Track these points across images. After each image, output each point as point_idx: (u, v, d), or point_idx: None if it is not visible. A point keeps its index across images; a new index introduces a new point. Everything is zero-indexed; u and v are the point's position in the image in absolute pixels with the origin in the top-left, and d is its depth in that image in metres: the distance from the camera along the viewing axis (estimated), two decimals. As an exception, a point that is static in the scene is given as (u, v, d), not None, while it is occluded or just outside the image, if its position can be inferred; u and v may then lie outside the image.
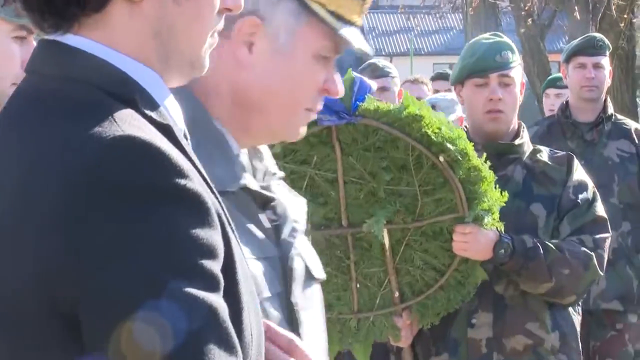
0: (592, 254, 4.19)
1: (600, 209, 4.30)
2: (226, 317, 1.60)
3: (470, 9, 17.10)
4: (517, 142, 4.34)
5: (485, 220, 3.96)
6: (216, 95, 2.24)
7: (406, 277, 4.07)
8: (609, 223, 4.31)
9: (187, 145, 1.73)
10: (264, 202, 2.27)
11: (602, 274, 4.27)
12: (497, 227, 4.04)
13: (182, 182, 1.60)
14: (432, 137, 3.78)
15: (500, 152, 4.29)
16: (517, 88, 4.35)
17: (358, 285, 4.08)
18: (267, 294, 2.21)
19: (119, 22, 1.72)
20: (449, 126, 3.83)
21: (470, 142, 3.94)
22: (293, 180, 3.65)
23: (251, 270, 2.04)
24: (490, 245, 4.06)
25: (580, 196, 4.28)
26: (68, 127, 1.63)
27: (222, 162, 2.20)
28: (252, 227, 2.21)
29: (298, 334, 2.22)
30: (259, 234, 2.22)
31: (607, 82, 6.68)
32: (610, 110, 6.64)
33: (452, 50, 27.28)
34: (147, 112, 1.69)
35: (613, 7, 16.11)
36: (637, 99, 23.23)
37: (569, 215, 4.25)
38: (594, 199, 4.30)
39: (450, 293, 4.08)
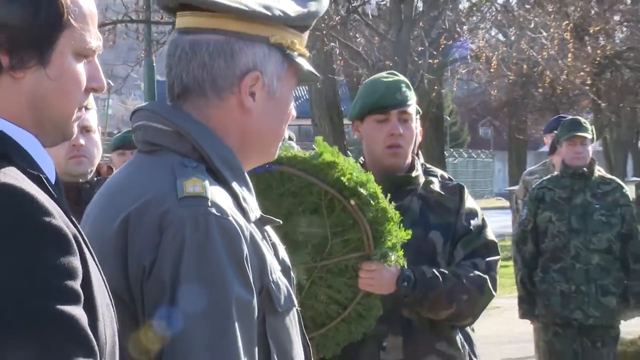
0: (486, 276, 3.69)
1: (490, 234, 3.82)
2: (85, 325, 1.59)
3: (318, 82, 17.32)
4: (413, 174, 3.83)
5: (392, 257, 3.48)
6: (227, 137, 2.18)
7: (309, 312, 3.50)
8: (498, 247, 3.85)
9: (57, 190, 1.70)
10: (264, 224, 2.23)
11: (495, 294, 3.75)
12: (400, 263, 3.54)
13: (47, 219, 1.59)
14: (345, 182, 3.35)
15: (398, 184, 3.79)
16: (414, 123, 3.85)
17: None
18: (296, 302, 2.22)
19: (3, 93, 1.70)
20: (359, 171, 3.40)
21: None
22: None
23: (284, 282, 2.16)
24: (393, 279, 3.55)
25: (472, 222, 3.78)
26: None
27: (249, 194, 2.18)
28: (267, 246, 2.17)
29: (307, 341, 2.27)
30: (272, 253, 2.19)
31: (419, 139, 6.85)
32: (421, 160, 6.82)
33: (300, 114, 27.32)
34: (21, 164, 1.67)
35: (425, 81, 16.52)
36: (445, 152, 23.78)
37: (462, 241, 3.75)
38: (483, 225, 3.80)
39: (352, 325, 3.55)
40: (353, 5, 17.48)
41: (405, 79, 3.86)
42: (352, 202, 3.35)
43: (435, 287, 3.60)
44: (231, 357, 1.99)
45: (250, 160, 2.25)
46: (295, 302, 2.20)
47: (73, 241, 1.61)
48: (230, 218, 2.05)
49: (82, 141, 3.52)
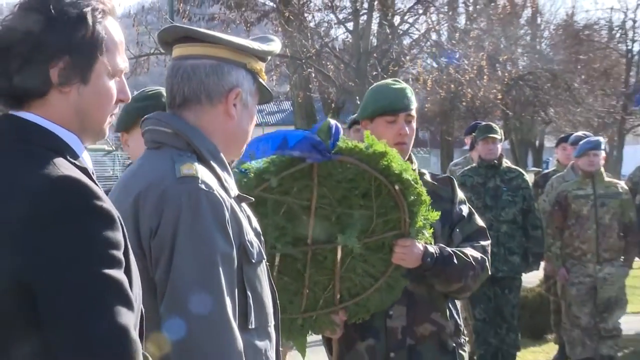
0: (485, 257, 3.31)
1: (479, 220, 3.41)
2: (127, 286, 1.58)
3: (299, 98, 17.33)
4: (413, 167, 3.28)
5: (426, 234, 3.12)
6: (213, 136, 2.19)
7: (347, 283, 3.15)
8: (487, 231, 3.44)
9: (95, 180, 1.67)
10: (240, 201, 2.21)
11: (489, 274, 3.37)
12: (430, 241, 3.18)
13: (99, 203, 1.57)
14: (394, 169, 2.97)
15: None
16: (415, 124, 3.39)
17: (307, 291, 3.13)
18: (265, 257, 2.21)
19: (54, 104, 1.66)
20: (402, 160, 3.03)
21: None
22: (274, 207, 2.92)
23: (256, 241, 2.15)
24: (420, 255, 3.15)
25: (464, 209, 3.38)
26: (26, 169, 1.60)
27: (229, 177, 2.18)
28: (244, 216, 2.16)
29: (274, 288, 2.23)
30: (247, 221, 2.17)
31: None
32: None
33: (286, 123, 27.33)
34: (71, 159, 1.64)
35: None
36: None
37: (459, 226, 3.35)
38: (471, 212, 3.41)
39: (383, 295, 3.17)
40: (325, 41, 17.48)
41: (409, 86, 3.48)
42: (397, 187, 3.00)
43: (450, 263, 3.21)
44: (217, 296, 2.00)
45: (228, 154, 2.24)
46: (265, 256, 2.20)
47: (118, 220, 1.59)
48: (215, 192, 2.06)
49: None
